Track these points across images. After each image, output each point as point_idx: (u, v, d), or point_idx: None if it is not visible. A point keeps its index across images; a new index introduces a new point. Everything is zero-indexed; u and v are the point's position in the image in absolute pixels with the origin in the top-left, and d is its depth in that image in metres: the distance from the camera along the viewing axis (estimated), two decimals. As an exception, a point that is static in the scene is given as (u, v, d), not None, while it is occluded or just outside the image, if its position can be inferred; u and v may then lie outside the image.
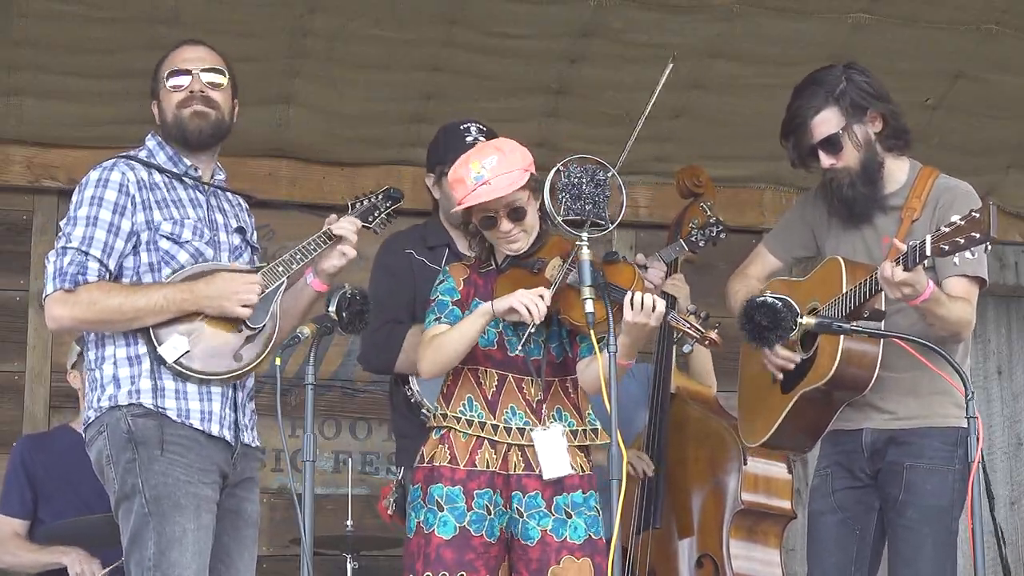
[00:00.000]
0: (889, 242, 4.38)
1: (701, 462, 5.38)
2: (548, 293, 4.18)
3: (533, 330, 4.25)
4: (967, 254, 4.03)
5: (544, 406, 4.34)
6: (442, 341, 4.31)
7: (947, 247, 4.03)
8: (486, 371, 4.34)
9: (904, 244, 4.17)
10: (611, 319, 4.04)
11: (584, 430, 4.38)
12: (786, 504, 5.36)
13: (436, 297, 4.42)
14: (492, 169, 4.24)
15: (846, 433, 4.53)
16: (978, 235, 4.00)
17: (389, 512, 4.80)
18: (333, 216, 4.33)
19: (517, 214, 4.30)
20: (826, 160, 4.51)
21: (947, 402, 4.37)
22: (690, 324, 4.14)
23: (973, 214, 4.03)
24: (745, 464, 5.27)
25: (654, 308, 4.09)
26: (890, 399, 4.47)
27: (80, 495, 5.30)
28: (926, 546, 4.39)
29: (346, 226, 4.28)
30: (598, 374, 4.19)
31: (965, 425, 3.99)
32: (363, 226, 4.35)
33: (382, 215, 4.42)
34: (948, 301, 4.32)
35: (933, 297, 4.23)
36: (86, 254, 4.08)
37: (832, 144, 4.49)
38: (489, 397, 4.33)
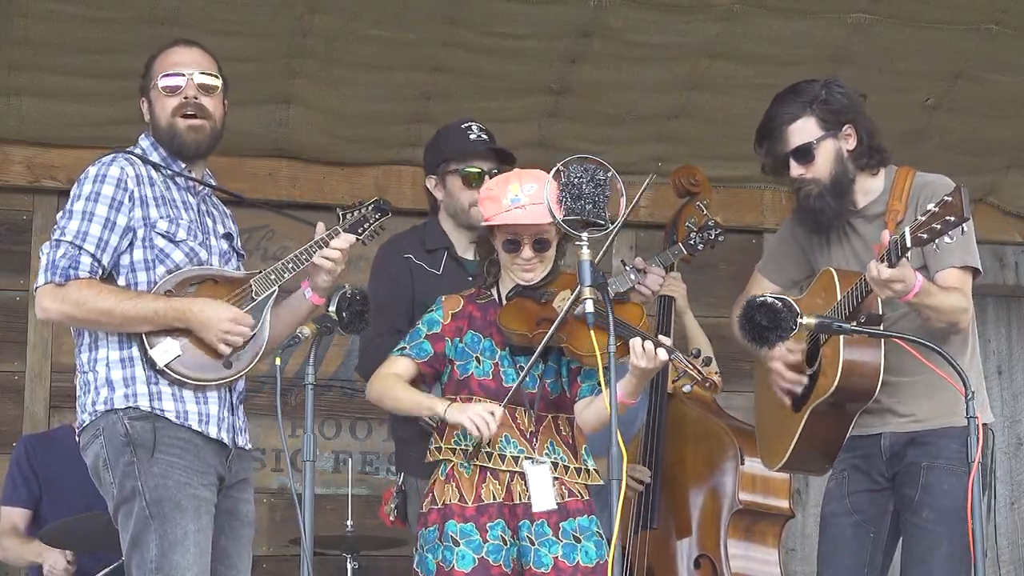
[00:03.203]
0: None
1: (699, 462, 5.38)
2: (499, 411, 4.22)
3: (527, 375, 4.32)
4: (946, 238, 4.03)
5: (536, 438, 4.35)
6: (387, 394, 4.40)
7: (925, 235, 4.03)
8: (480, 400, 4.34)
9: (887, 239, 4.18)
10: (611, 317, 4.01)
11: (578, 468, 4.39)
12: (784, 504, 5.35)
13: (416, 325, 4.46)
14: (530, 196, 4.27)
15: (864, 438, 4.53)
16: (953, 218, 3.99)
17: (391, 518, 4.81)
18: (321, 225, 4.31)
19: (541, 245, 4.34)
20: (796, 169, 4.51)
21: (962, 399, 4.35)
22: (692, 366, 4.15)
23: (946, 199, 4.02)
24: (742, 464, 5.26)
25: (657, 354, 4.11)
26: (907, 402, 4.47)
27: (82, 494, 5.29)
28: (940, 546, 4.39)
29: (338, 246, 4.25)
30: (599, 414, 4.23)
31: (980, 423, 3.97)
32: (355, 239, 4.35)
33: (371, 227, 4.42)
34: (939, 292, 4.32)
35: (924, 289, 4.22)
36: (79, 248, 4.06)
37: (804, 154, 4.49)
38: (478, 439, 4.30)
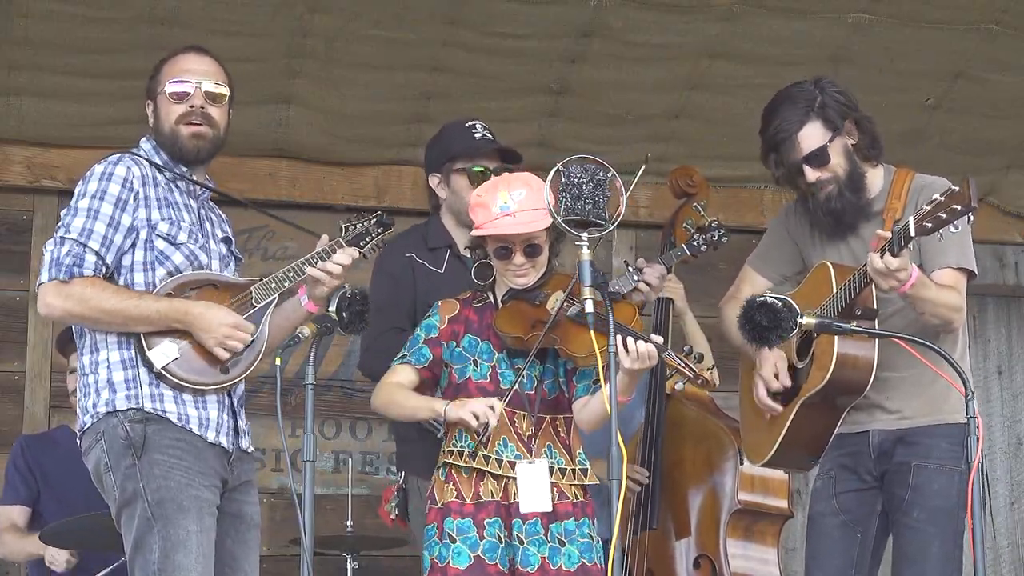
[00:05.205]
0: None
1: (698, 462, 5.38)
2: (499, 405, 4.23)
3: (525, 370, 4.33)
4: (951, 228, 4.01)
5: (535, 441, 4.36)
6: (391, 402, 4.42)
7: (930, 224, 4.01)
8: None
9: (888, 233, 4.16)
10: (611, 320, 4.03)
11: (574, 469, 4.39)
12: (783, 503, 5.35)
13: (415, 331, 4.47)
14: (519, 203, 4.29)
15: (851, 436, 4.52)
16: (960, 207, 3.97)
17: (392, 517, 4.80)
18: (324, 237, 4.31)
19: (533, 251, 4.35)
20: (812, 174, 4.48)
21: (953, 396, 4.32)
22: (684, 363, 4.16)
23: (952, 188, 4.00)
24: (741, 464, 5.26)
25: (648, 351, 4.11)
26: (896, 398, 4.47)
27: (81, 496, 5.30)
28: (932, 546, 4.39)
29: (341, 261, 4.25)
30: (595, 412, 4.24)
31: (980, 423, 3.96)
32: (358, 253, 4.35)
33: (373, 241, 4.42)
34: (935, 286, 4.31)
35: (920, 281, 4.22)
36: (84, 246, 4.06)
37: (819, 157, 4.47)
38: (481, 429, 4.31)
